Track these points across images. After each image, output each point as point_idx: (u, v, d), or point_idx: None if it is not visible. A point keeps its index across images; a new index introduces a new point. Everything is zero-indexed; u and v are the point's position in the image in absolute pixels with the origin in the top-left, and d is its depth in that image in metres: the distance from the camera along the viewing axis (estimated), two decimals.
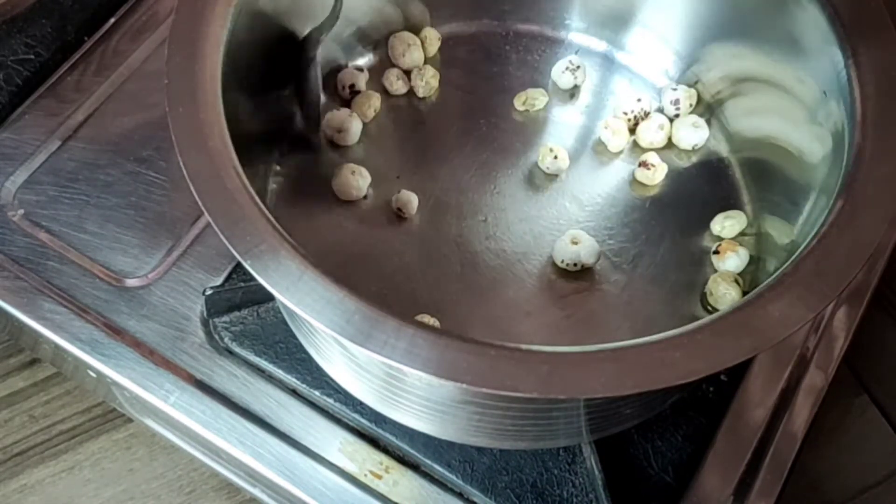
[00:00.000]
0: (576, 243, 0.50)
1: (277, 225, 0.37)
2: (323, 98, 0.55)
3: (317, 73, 0.52)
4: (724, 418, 0.50)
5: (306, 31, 0.52)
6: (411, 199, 0.52)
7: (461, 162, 0.55)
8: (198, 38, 0.42)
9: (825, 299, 0.37)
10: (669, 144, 0.56)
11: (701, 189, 0.54)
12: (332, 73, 0.56)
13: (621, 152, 0.55)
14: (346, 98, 0.56)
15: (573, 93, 0.58)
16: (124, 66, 0.61)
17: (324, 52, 0.53)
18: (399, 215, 0.52)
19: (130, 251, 0.54)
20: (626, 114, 0.55)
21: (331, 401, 0.49)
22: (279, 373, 0.50)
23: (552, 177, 0.54)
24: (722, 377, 0.51)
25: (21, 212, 0.55)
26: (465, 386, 0.34)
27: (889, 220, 0.39)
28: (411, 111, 0.57)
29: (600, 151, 0.56)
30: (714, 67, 0.55)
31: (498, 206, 0.53)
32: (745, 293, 0.47)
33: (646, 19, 0.57)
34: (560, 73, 0.57)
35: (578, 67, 0.57)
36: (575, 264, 0.50)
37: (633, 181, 0.54)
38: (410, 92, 0.57)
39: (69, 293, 0.52)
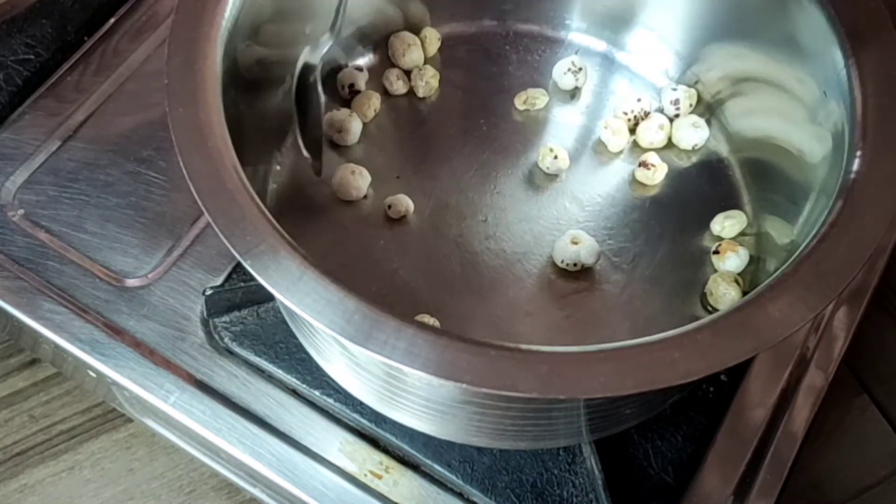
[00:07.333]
0: (576, 243, 0.50)
1: (277, 225, 0.37)
2: (324, 100, 0.54)
3: (319, 103, 0.51)
4: (724, 418, 0.50)
5: (306, 30, 0.52)
6: (408, 205, 0.52)
7: (461, 162, 0.55)
8: (198, 38, 0.42)
9: (825, 299, 0.37)
10: (669, 144, 0.56)
11: (701, 189, 0.54)
12: (332, 73, 0.56)
13: (621, 152, 0.55)
14: (346, 98, 0.56)
15: (574, 94, 0.58)
16: (124, 66, 0.61)
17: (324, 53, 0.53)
18: (391, 217, 0.52)
19: (130, 251, 0.54)
20: (626, 114, 0.55)
21: (331, 401, 0.49)
22: (279, 373, 0.50)
23: (552, 177, 0.54)
24: (722, 377, 0.51)
25: (21, 212, 0.55)
26: (465, 386, 0.34)
27: (889, 220, 0.39)
28: (411, 111, 0.57)
29: (600, 151, 0.56)
30: (714, 67, 0.55)
31: (498, 206, 0.53)
32: (745, 293, 0.47)
33: (646, 19, 0.57)
34: (562, 74, 0.57)
35: (580, 69, 0.57)
36: (575, 264, 0.50)
37: (633, 181, 0.54)
38: (410, 92, 0.57)
39: (69, 293, 0.52)
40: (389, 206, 0.52)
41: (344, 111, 0.54)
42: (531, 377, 0.34)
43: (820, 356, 0.53)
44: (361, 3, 0.55)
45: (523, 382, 0.34)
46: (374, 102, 0.55)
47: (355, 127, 0.54)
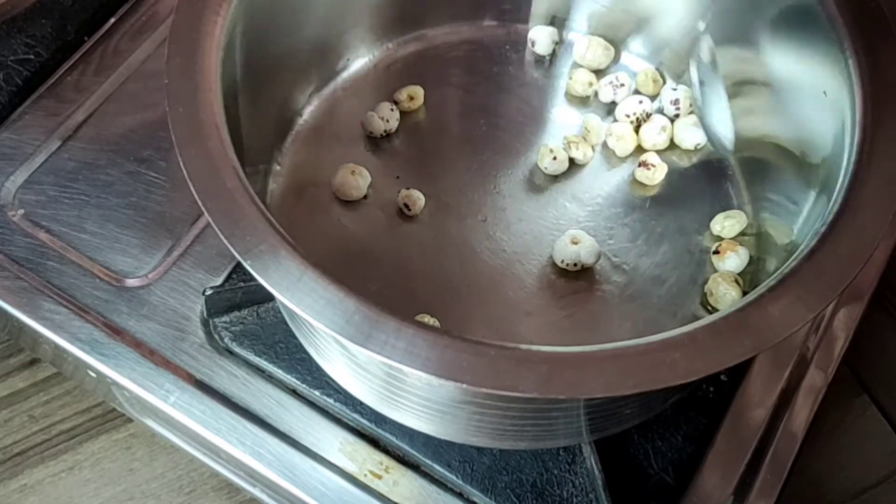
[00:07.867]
0: (576, 243, 0.50)
1: (277, 225, 0.37)
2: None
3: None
4: (724, 418, 0.50)
5: (307, 31, 0.52)
6: (418, 198, 0.52)
7: (461, 162, 0.55)
8: (198, 38, 0.42)
9: (825, 299, 0.37)
10: (670, 145, 0.56)
11: (701, 189, 0.54)
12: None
13: (629, 156, 0.55)
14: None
15: (611, 108, 0.57)
16: (124, 66, 0.61)
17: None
18: (404, 212, 0.52)
19: (130, 251, 0.54)
20: (628, 116, 0.55)
21: (331, 401, 0.49)
22: (279, 373, 0.50)
23: (552, 177, 0.54)
24: (722, 377, 0.51)
25: (21, 212, 0.55)
26: (465, 386, 0.34)
27: (889, 220, 0.39)
28: (411, 111, 0.57)
29: (600, 151, 0.56)
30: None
31: (498, 206, 0.53)
32: (745, 293, 0.47)
33: (646, 19, 0.57)
34: (602, 87, 0.57)
35: (623, 85, 0.57)
36: (575, 264, 0.50)
37: (633, 181, 0.54)
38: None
39: (69, 293, 0.52)
40: (405, 205, 0.52)
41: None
42: (531, 377, 0.34)
43: (820, 356, 0.53)
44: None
45: (523, 382, 0.34)
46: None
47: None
